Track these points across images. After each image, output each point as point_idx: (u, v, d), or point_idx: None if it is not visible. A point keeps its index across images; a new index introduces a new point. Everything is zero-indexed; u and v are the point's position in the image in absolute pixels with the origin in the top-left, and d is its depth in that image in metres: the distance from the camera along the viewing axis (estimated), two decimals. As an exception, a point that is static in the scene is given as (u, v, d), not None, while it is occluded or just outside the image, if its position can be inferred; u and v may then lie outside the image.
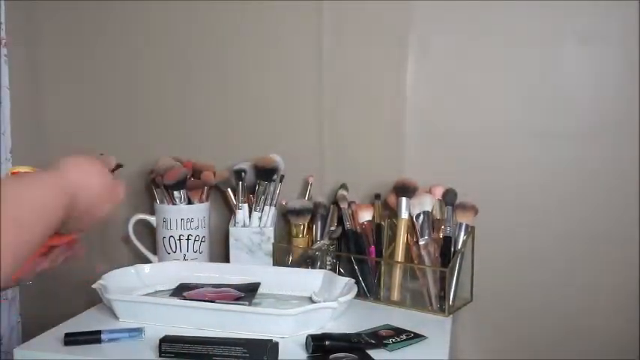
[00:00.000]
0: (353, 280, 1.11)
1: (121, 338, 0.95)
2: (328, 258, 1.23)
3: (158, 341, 0.89)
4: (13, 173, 0.85)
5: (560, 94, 1.21)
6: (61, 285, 1.39)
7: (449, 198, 1.19)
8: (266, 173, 1.28)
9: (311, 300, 1.12)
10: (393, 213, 1.22)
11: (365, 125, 1.30)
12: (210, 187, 1.31)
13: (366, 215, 1.23)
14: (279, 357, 0.88)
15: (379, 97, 1.29)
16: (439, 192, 1.20)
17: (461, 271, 1.16)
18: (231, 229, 1.28)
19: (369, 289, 1.19)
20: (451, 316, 1.11)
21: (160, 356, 0.89)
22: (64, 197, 0.67)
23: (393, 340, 0.96)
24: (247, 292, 1.10)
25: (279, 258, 1.26)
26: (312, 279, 1.16)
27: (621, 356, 1.19)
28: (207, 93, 1.37)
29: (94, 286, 1.05)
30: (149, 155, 1.34)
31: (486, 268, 1.21)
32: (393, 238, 1.20)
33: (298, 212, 1.25)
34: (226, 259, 1.30)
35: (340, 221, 1.24)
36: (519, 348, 1.25)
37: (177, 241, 1.28)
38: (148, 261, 1.31)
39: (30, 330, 1.32)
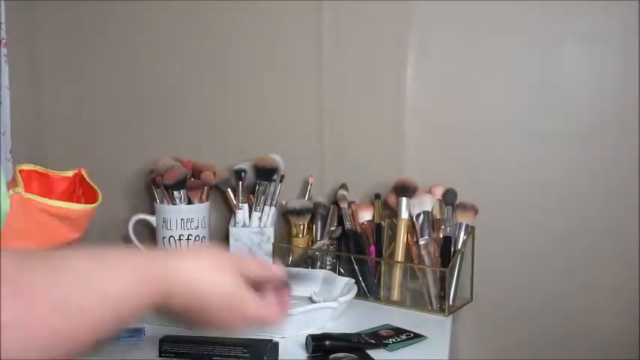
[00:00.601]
0: (353, 280, 1.11)
1: (120, 338, 0.95)
2: (328, 258, 1.23)
3: (158, 341, 0.89)
4: (20, 172, 0.85)
5: (560, 94, 1.21)
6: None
7: (449, 198, 1.19)
8: (266, 173, 1.28)
9: (311, 300, 1.12)
10: (393, 213, 1.22)
11: (365, 125, 1.30)
12: (210, 187, 1.31)
13: (366, 215, 1.23)
14: (279, 357, 0.88)
15: (379, 97, 1.29)
16: (439, 192, 1.20)
17: (461, 271, 1.16)
18: (231, 229, 1.28)
19: (369, 289, 1.19)
20: (451, 316, 1.11)
21: (160, 356, 0.89)
22: (151, 290, 0.54)
23: (393, 340, 0.96)
24: (247, 292, 1.09)
25: (279, 258, 1.26)
26: (312, 279, 1.16)
27: (621, 356, 1.19)
28: (207, 93, 1.36)
29: (94, 286, 1.05)
30: (149, 155, 1.34)
31: (486, 268, 1.21)
32: (393, 238, 1.20)
33: (298, 212, 1.25)
34: (226, 259, 1.30)
35: (340, 221, 1.24)
36: (519, 348, 1.25)
37: (178, 241, 1.28)
38: (148, 261, 1.31)
39: (30, 330, 1.32)
